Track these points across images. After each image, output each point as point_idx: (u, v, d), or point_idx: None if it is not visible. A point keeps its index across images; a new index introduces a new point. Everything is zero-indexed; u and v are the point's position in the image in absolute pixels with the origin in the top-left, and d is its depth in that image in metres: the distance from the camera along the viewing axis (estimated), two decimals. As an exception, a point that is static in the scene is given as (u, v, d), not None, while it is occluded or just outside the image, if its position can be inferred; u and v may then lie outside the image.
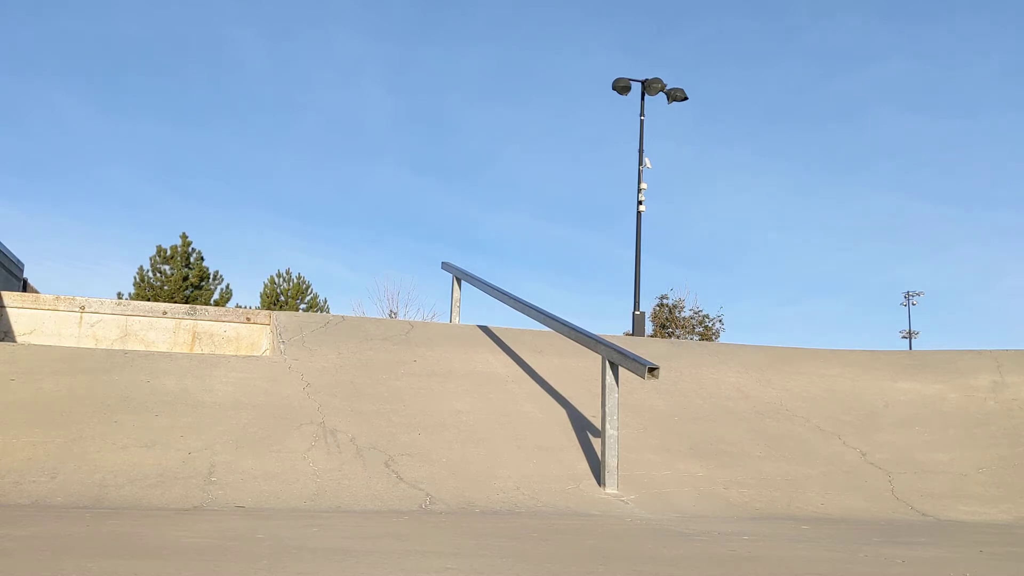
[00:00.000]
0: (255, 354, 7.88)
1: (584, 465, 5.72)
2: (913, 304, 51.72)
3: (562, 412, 6.61)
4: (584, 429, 6.30)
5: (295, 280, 35.73)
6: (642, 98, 20.17)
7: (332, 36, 63.09)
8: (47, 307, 7.92)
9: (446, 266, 9.92)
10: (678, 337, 30.34)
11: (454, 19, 64.23)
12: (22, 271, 11.52)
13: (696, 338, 30.35)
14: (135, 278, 34.02)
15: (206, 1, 58.34)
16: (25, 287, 11.63)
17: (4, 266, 10.48)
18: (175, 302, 21.53)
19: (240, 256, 53.02)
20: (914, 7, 61.10)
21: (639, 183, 19.54)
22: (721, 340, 29.12)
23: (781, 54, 62.78)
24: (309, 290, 36.02)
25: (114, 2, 57.24)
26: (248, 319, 8.36)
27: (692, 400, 7.22)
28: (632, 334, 18.30)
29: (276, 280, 35.59)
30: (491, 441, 5.91)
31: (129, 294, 33.22)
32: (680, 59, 58.47)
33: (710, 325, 31.70)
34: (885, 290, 61.68)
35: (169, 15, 56.33)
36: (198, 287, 34.12)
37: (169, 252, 34.27)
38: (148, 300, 28.53)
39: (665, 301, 32.18)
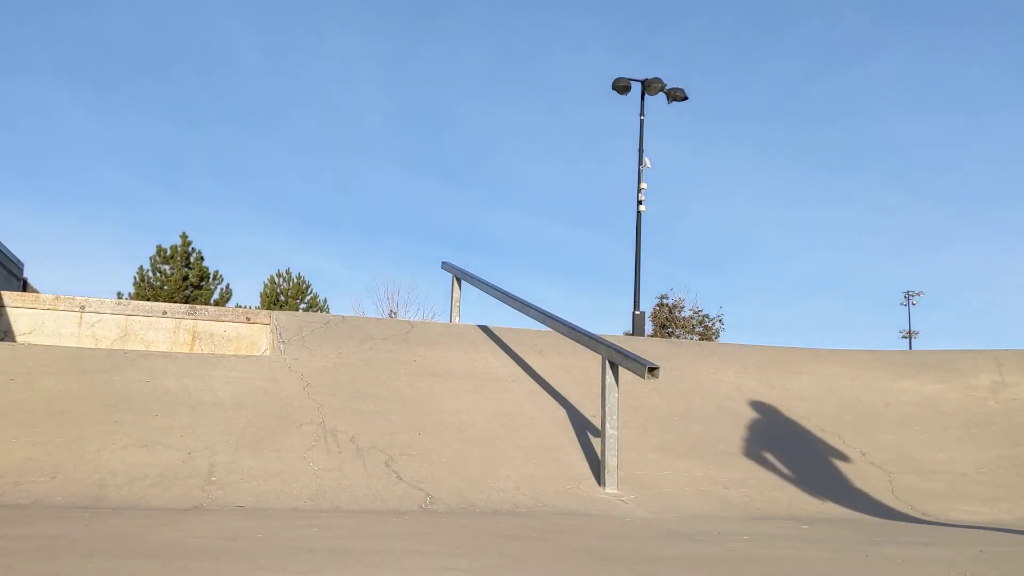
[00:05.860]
0: (255, 354, 7.87)
1: (584, 465, 5.72)
2: (913, 304, 51.81)
3: (562, 412, 6.61)
4: (584, 429, 6.30)
5: (295, 280, 35.75)
6: (642, 98, 20.18)
7: (327, 34, 63.12)
8: (47, 307, 7.91)
9: (446, 266, 9.92)
10: (678, 337, 30.32)
11: (450, 17, 64.25)
12: (22, 271, 11.51)
13: (696, 338, 30.34)
14: (135, 278, 34.04)
15: (202, 0, 58.37)
16: (25, 287, 11.63)
17: (4, 266, 10.48)
18: (175, 302, 21.52)
19: (240, 256, 53.07)
20: (913, 5, 61.12)
21: (639, 183, 19.54)
22: (721, 340, 29.11)
23: (779, 53, 62.79)
24: (309, 290, 36.04)
25: (111, 2, 57.26)
26: (248, 319, 8.35)
27: (692, 400, 7.22)
28: (632, 334, 18.30)
29: (276, 280, 35.61)
30: (491, 441, 5.91)
31: (129, 294, 33.22)
32: (678, 57, 58.54)
33: (710, 325, 31.73)
34: (885, 290, 61.74)
35: (165, 15, 56.37)
36: (198, 287, 34.13)
37: (169, 252, 34.29)
38: (148, 300, 28.53)
39: (665, 301, 32.20)
